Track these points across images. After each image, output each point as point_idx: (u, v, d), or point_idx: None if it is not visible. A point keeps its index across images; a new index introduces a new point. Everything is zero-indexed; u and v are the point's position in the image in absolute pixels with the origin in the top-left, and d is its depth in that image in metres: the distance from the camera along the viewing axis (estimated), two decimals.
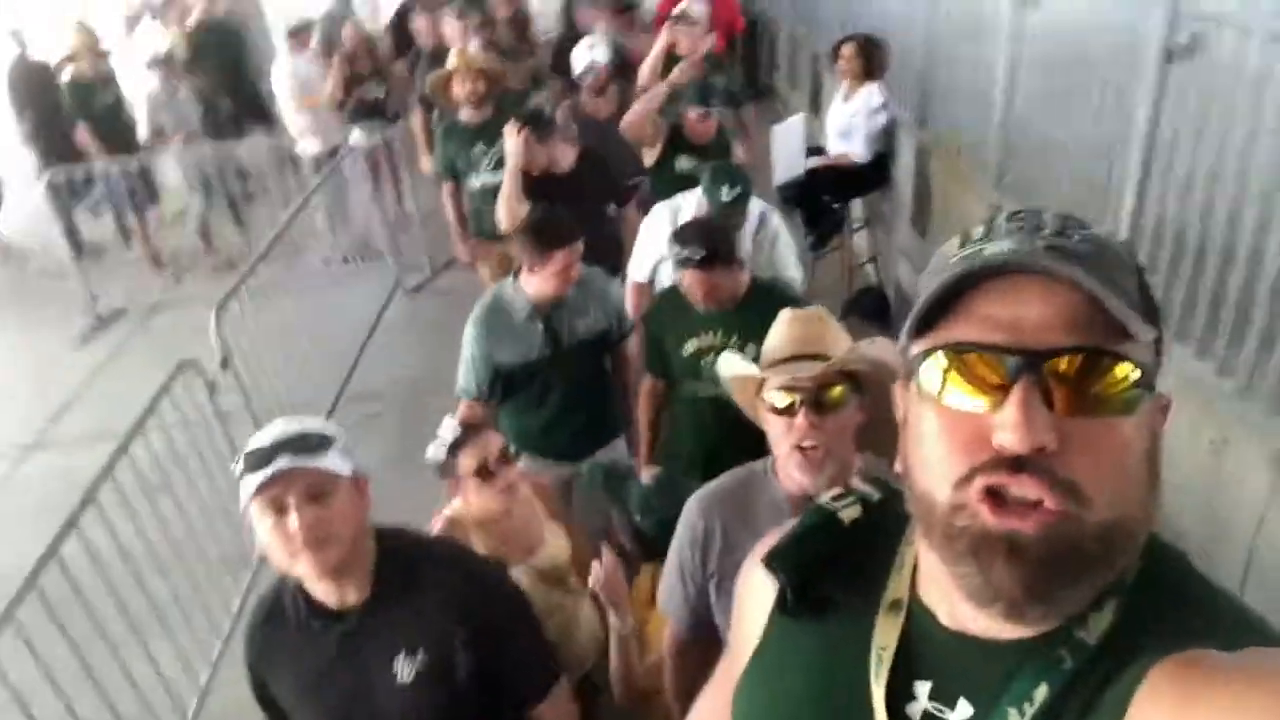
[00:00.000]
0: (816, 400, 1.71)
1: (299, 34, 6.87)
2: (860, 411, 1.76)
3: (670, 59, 4.67)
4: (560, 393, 3.01)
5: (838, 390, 1.73)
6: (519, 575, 2.29)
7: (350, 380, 5.21)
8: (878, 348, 1.80)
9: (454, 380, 3.03)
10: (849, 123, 4.91)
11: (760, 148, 4.98)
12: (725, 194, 3.22)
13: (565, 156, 3.86)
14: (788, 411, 1.73)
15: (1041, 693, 0.69)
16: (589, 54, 4.52)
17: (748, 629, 0.94)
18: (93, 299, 6.71)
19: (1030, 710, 0.69)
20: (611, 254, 3.82)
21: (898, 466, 0.78)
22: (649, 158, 4.13)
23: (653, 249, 3.49)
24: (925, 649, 0.78)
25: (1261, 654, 0.64)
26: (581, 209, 3.64)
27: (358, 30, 6.85)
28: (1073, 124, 3.11)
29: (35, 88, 7.41)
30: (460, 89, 4.39)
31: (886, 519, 0.87)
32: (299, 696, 1.73)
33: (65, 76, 7.12)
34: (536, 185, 3.75)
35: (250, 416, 3.97)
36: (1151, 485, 0.70)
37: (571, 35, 5.80)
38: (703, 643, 1.85)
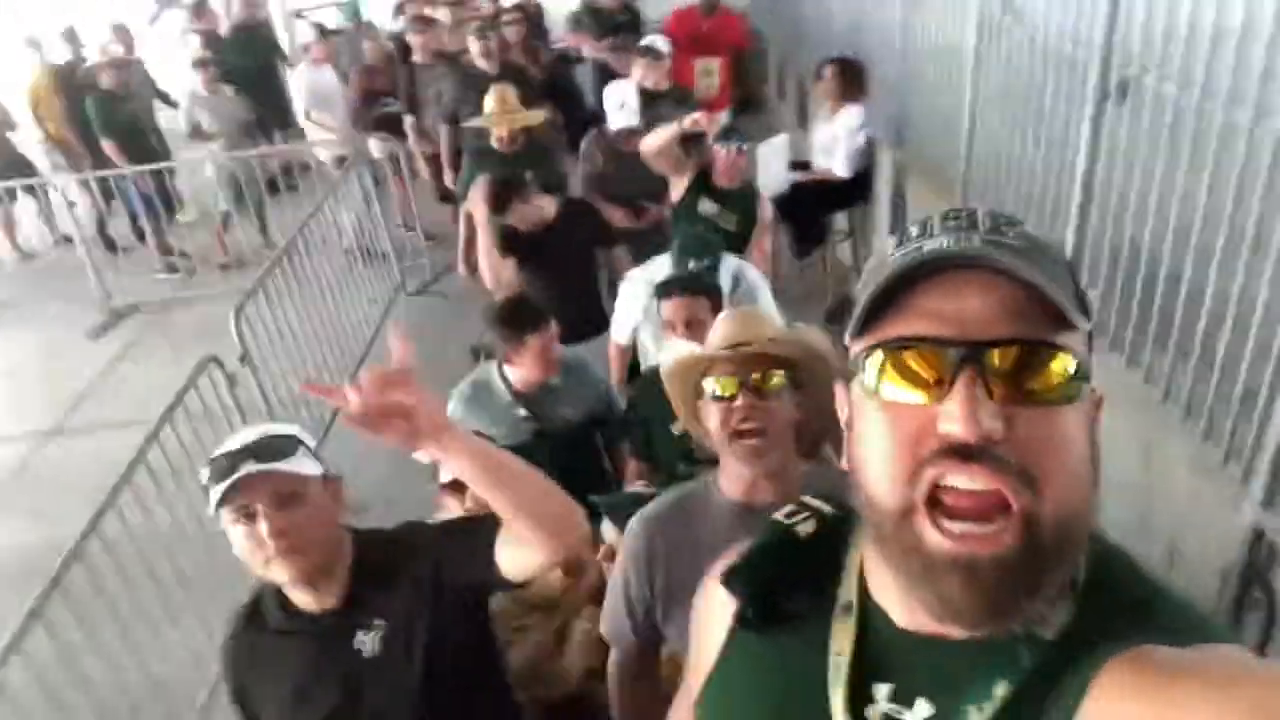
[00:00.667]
0: (756, 386, 1.77)
1: (317, 44, 7.08)
2: (798, 410, 1.81)
3: (645, 94, 4.75)
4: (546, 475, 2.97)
5: (775, 377, 1.78)
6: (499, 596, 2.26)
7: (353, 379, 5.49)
8: (810, 333, 1.93)
9: (452, 379, 3.15)
10: (831, 141, 5.21)
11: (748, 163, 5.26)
12: (691, 266, 3.20)
13: (547, 208, 3.89)
14: (727, 398, 1.77)
15: (1001, 690, 0.70)
16: (620, 114, 4.53)
17: (707, 648, 0.94)
18: (106, 295, 6.98)
19: (990, 708, 0.70)
20: (597, 308, 3.93)
21: (843, 465, 0.79)
22: (674, 190, 4.10)
23: (631, 312, 3.51)
24: (881, 651, 0.79)
25: (1208, 650, 0.66)
26: (567, 259, 3.83)
27: (378, 44, 7.11)
28: (1027, 149, 3.42)
29: (72, 94, 7.59)
30: (504, 128, 4.48)
31: (842, 532, 0.88)
32: (285, 703, 1.70)
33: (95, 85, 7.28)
34: (520, 239, 3.82)
35: (266, 409, 4.24)
36: (1093, 476, 0.71)
37: (565, 60, 6.11)
38: (649, 668, 1.91)
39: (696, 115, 3.89)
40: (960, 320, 0.67)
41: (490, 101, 4.53)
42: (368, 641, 1.65)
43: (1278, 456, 2.18)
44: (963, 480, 0.65)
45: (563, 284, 3.74)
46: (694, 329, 2.63)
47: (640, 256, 3.76)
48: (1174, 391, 2.62)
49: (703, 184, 4.00)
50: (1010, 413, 0.65)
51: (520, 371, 2.93)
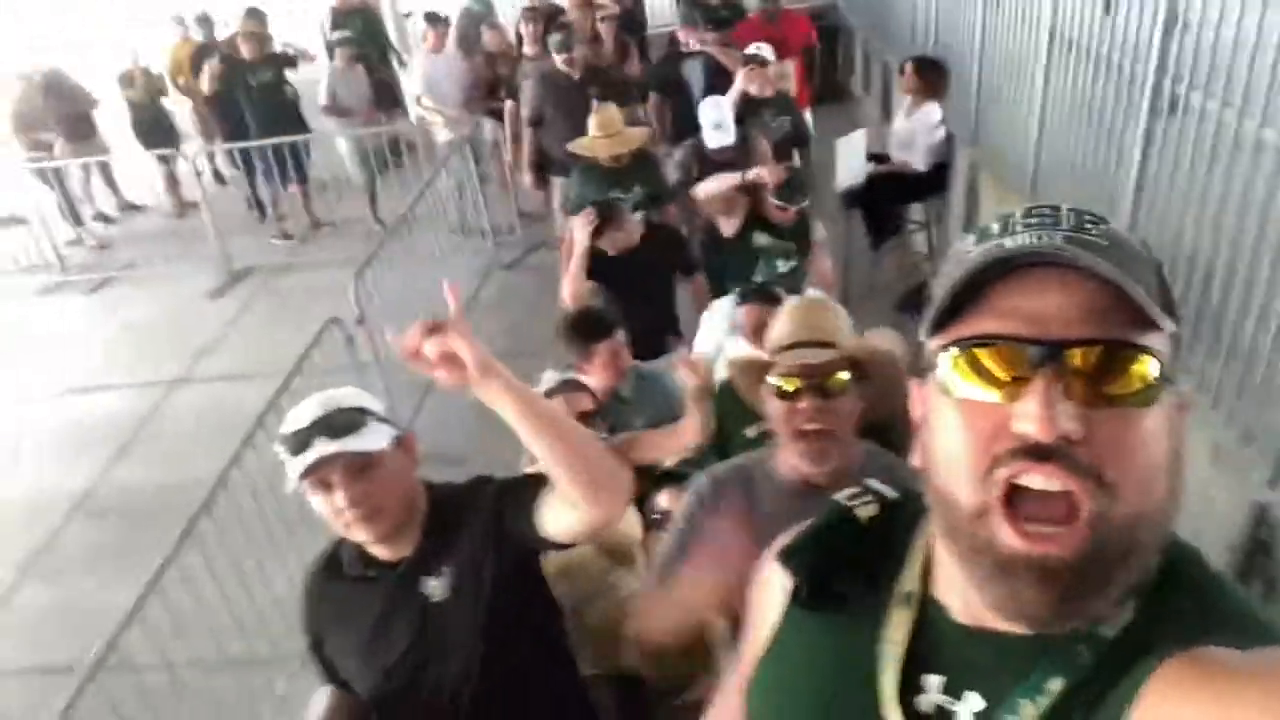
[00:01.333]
0: (820, 385, 1.75)
1: (434, 30, 7.39)
2: (861, 400, 1.79)
3: (749, 101, 4.94)
4: None
5: (840, 376, 1.76)
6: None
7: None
8: (883, 337, 2.00)
9: (540, 345, 3.35)
10: (910, 135, 5.44)
11: (826, 152, 5.52)
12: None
13: (635, 232, 3.94)
14: (791, 396, 1.75)
15: (1056, 685, 0.69)
16: (716, 134, 4.51)
17: (761, 627, 0.95)
18: (226, 258, 7.57)
19: (1044, 702, 0.69)
20: (671, 331, 4.05)
21: (915, 461, 0.78)
22: (726, 229, 4.12)
23: (713, 338, 3.54)
24: (937, 642, 0.78)
25: (1268, 653, 0.64)
26: (645, 281, 3.92)
27: (500, 35, 7.42)
28: (1088, 156, 3.64)
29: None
30: (606, 153, 4.48)
31: (904, 517, 0.87)
32: (361, 647, 1.79)
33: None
34: (603, 261, 3.90)
35: (379, 369, 4.70)
36: (1173, 480, 0.69)
37: (675, 54, 6.21)
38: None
39: (760, 170, 3.96)
40: (1040, 319, 0.66)
41: (592, 125, 4.56)
42: (437, 587, 1.73)
43: None
44: (1037, 480, 0.65)
45: (638, 305, 3.72)
46: (764, 335, 2.66)
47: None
48: (1204, 382, 2.86)
49: (755, 217, 4.07)
50: (1088, 414, 0.64)
51: (591, 380, 2.95)
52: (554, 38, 5.86)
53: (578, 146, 4.57)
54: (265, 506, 3.75)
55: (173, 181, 8.72)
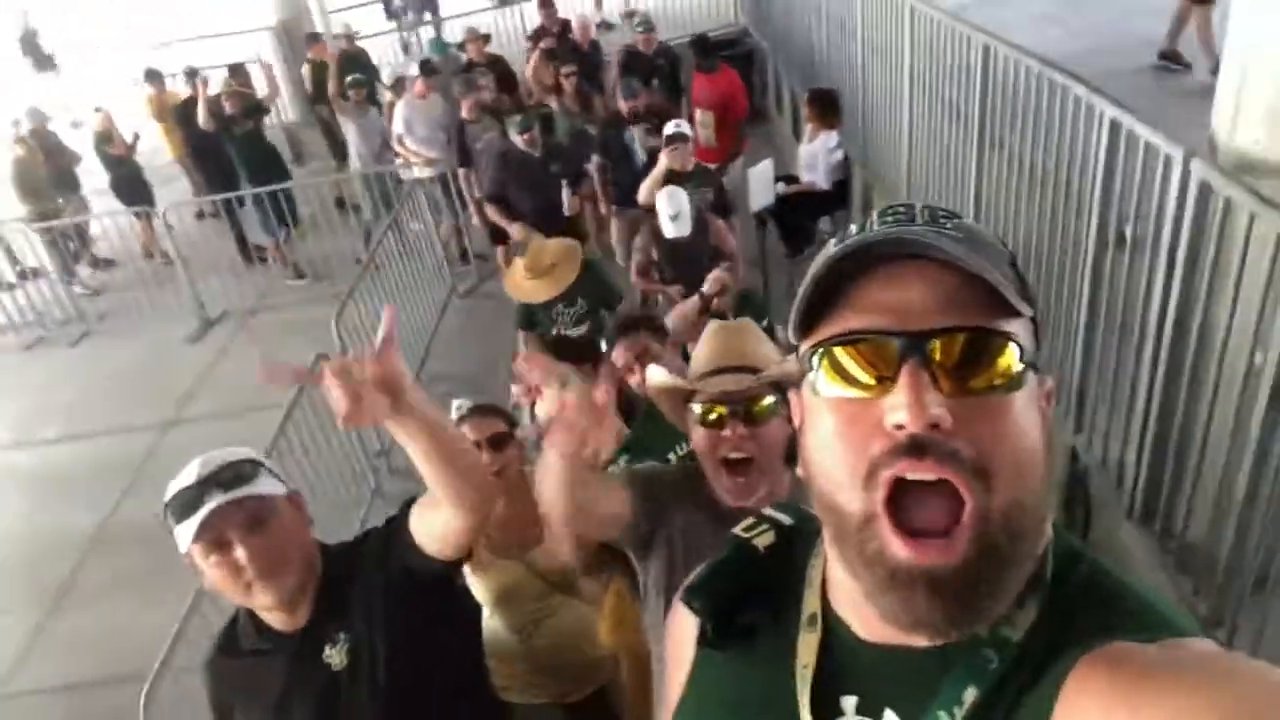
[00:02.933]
0: (745, 412, 1.71)
1: (425, 80, 7.84)
2: (788, 423, 1.64)
3: (672, 175, 5.11)
4: None
5: (765, 401, 1.72)
6: (513, 566, 2.41)
7: (424, 366, 6.60)
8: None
9: (495, 362, 3.75)
10: (813, 158, 6.23)
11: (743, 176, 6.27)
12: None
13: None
14: (715, 424, 1.72)
15: (970, 694, 0.69)
16: (674, 224, 4.65)
17: (679, 669, 0.93)
18: (199, 305, 8.12)
19: (960, 712, 0.69)
20: None
21: (799, 472, 0.77)
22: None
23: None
24: (847, 662, 0.77)
25: (1181, 645, 0.65)
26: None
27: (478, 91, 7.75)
28: (938, 176, 4.44)
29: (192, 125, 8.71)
30: (539, 297, 4.47)
31: (801, 541, 0.87)
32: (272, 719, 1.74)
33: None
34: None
35: None
36: (1045, 467, 0.70)
37: (618, 118, 6.64)
38: None
39: (718, 274, 3.97)
40: (902, 311, 0.67)
41: (521, 265, 4.56)
42: (335, 655, 1.68)
43: (1079, 394, 3.22)
44: (916, 474, 0.65)
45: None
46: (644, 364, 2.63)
47: None
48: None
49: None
50: (957, 403, 0.65)
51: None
52: (514, 119, 6.20)
53: (512, 286, 4.60)
54: None
55: (150, 234, 9.20)
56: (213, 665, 1.80)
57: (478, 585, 2.40)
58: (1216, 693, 0.58)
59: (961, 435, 0.65)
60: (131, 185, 9.17)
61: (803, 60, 7.74)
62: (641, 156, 6.11)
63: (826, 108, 6.08)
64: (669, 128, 5.32)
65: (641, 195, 5.32)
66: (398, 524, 1.72)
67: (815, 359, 0.71)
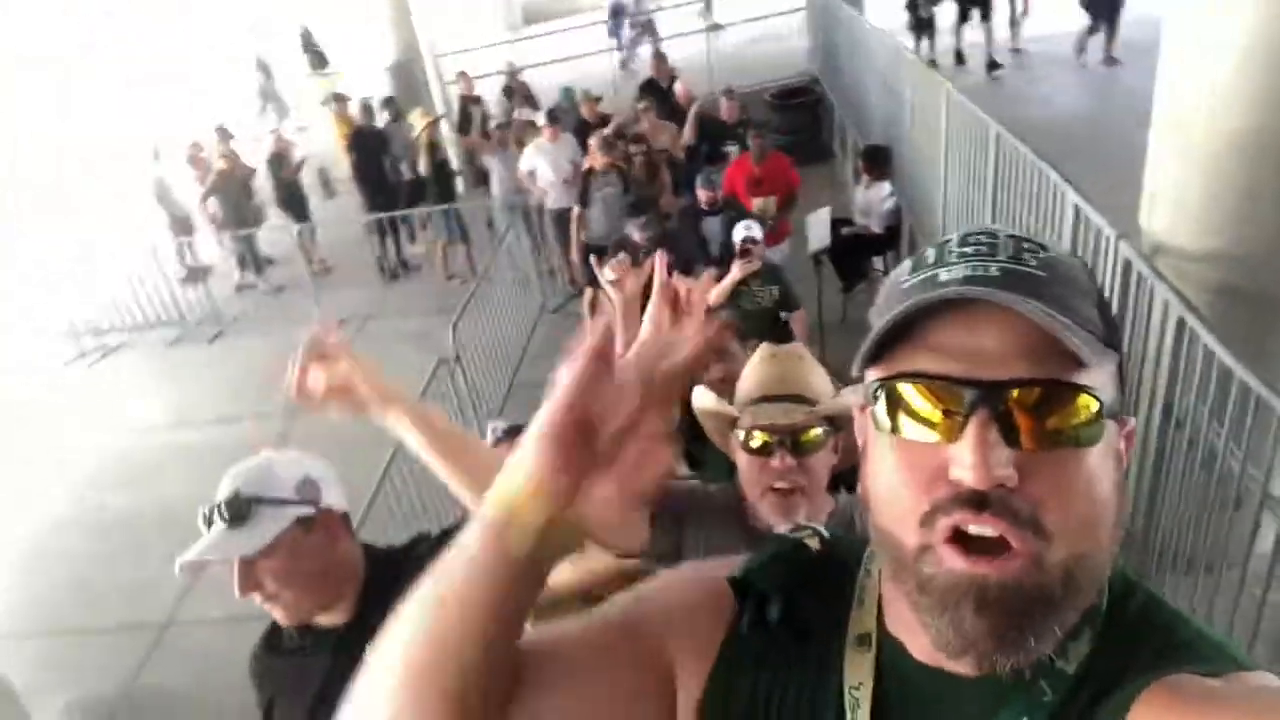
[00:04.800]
0: (793, 442, 1.67)
1: (551, 126, 8.71)
2: (834, 453, 1.73)
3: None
4: None
5: (815, 432, 1.69)
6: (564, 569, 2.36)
7: (517, 374, 7.59)
8: (854, 393, 1.76)
9: None
10: (867, 206, 7.09)
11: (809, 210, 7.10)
12: None
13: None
14: (763, 452, 1.69)
15: None
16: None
17: (693, 652, 0.84)
18: (319, 310, 9.26)
19: None
20: None
21: (858, 492, 0.76)
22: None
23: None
24: (899, 686, 0.76)
25: (1244, 679, 0.65)
26: None
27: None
28: (971, 219, 5.26)
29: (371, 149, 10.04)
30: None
31: (842, 553, 0.85)
32: (305, 717, 1.73)
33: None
34: None
35: (471, 400, 6.33)
36: (1115, 515, 0.68)
37: (694, 210, 6.95)
38: None
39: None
40: (975, 358, 0.65)
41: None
42: None
43: None
44: (975, 527, 0.64)
45: None
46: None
47: None
48: None
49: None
50: (1026, 457, 0.63)
51: None
52: (638, 218, 6.33)
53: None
54: (413, 510, 5.16)
55: (310, 245, 10.43)
56: (256, 662, 1.82)
57: None
58: None
59: (1026, 492, 0.63)
60: (291, 201, 10.53)
61: (861, 112, 8.59)
62: (715, 249, 6.36)
63: (879, 162, 6.93)
64: (739, 231, 5.42)
65: (712, 300, 5.18)
66: (453, 535, 2.02)
67: (882, 393, 0.69)
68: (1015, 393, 0.64)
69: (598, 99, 9.90)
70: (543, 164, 8.52)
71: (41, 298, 10.15)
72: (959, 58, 11.93)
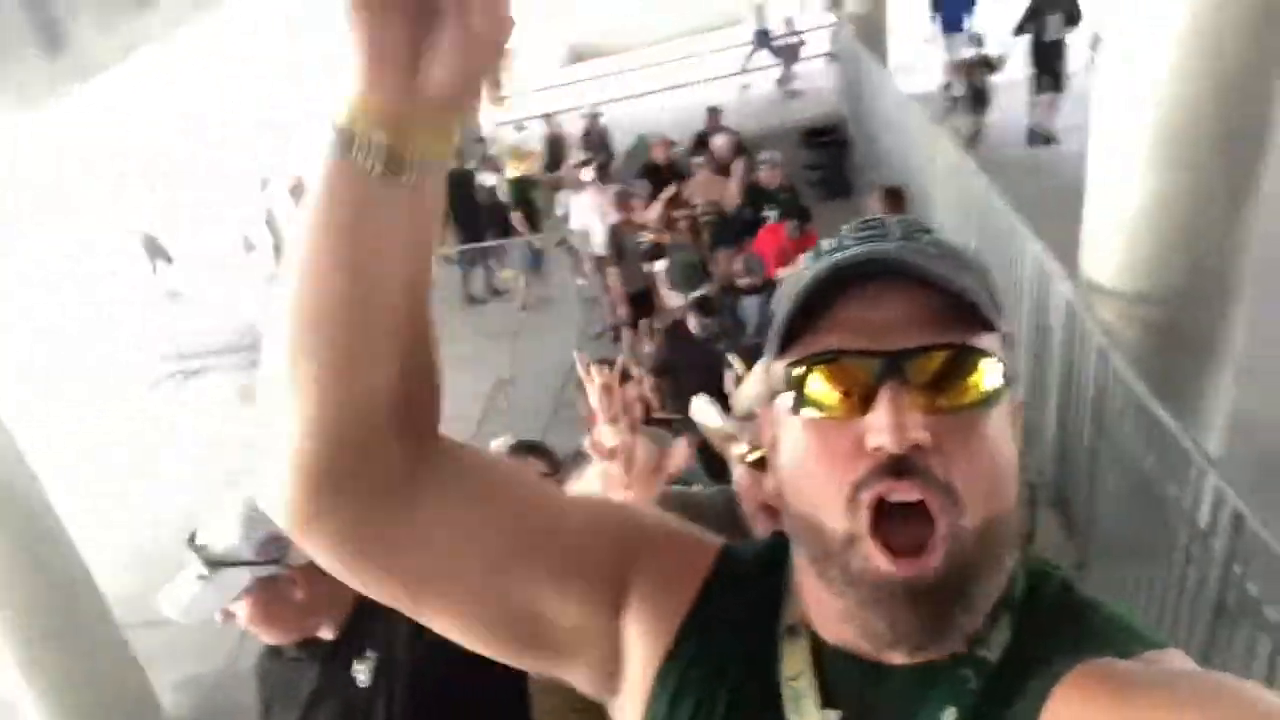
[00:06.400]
0: None
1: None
2: None
3: None
4: None
5: None
6: None
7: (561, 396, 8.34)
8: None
9: None
10: None
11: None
12: None
13: None
14: (758, 465, 1.69)
15: (950, 714, 0.70)
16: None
17: (676, 588, 0.84)
18: None
19: None
20: None
21: (768, 486, 0.79)
22: None
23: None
24: (828, 676, 0.76)
25: (1156, 659, 0.68)
26: None
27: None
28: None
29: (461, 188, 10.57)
30: None
31: (778, 549, 0.86)
32: None
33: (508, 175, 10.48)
34: None
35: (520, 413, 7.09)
36: (1015, 479, 0.71)
37: (732, 288, 6.97)
38: None
39: None
40: (881, 329, 0.67)
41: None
42: (362, 671, 1.67)
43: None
44: (896, 494, 0.66)
45: None
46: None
47: None
48: None
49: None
50: (936, 420, 0.66)
51: None
52: (693, 294, 5.74)
53: None
54: None
55: None
56: (260, 665, 1.87)
57: None
58: (1205, 705, 0.60)
59: (939, 454, 0.66)
60: None
61: (880, 153, 9.28)
62: (751, 329, 6.27)
63: (895, 201, 7.59)
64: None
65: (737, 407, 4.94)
66: None
67: (792, 378, 0.71)
68: (921, 359, 0.67)
69: (672, 143, 10.06)
70: (577, 209, 8.96)
71: (131, 319, 11.04)
72: (1038, 137, 10.17)
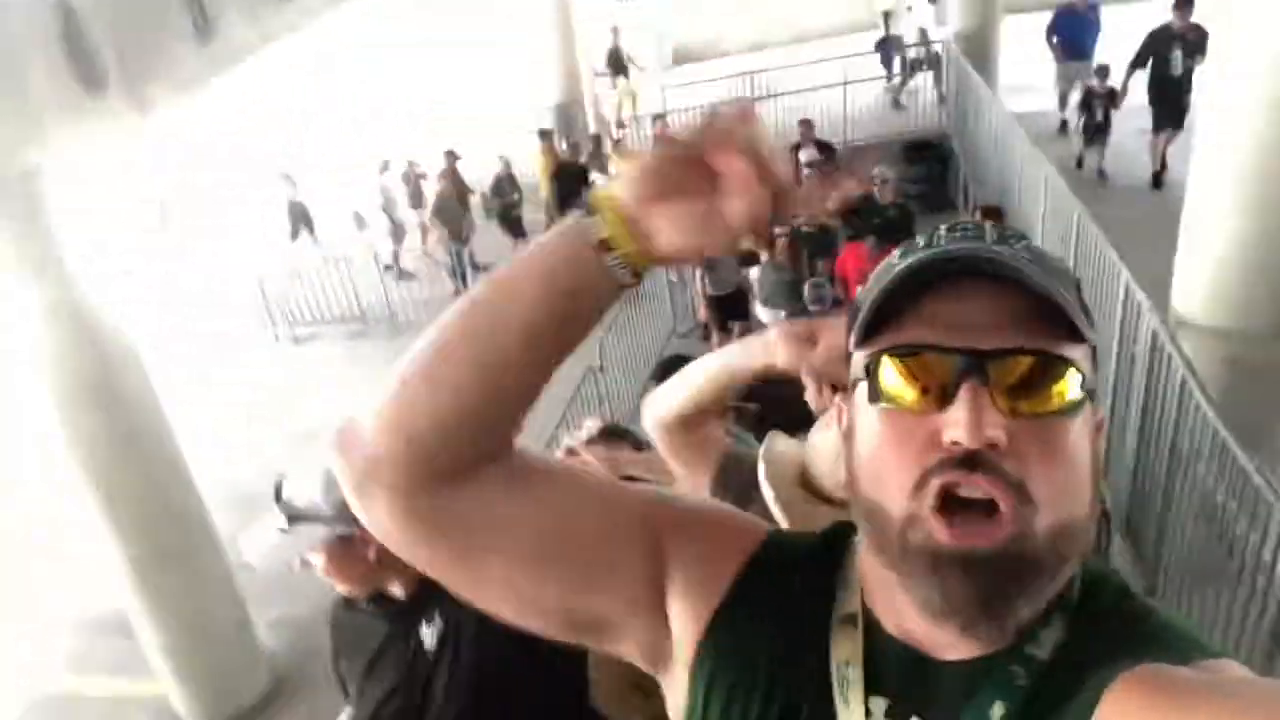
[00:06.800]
0: None
1: None
2: None
3: None
4: None
5: None
6: None
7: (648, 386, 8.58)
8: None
9: None
10: None
11: None
12: None
13: None
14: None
15: (998, 710, 0.70)
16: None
17: (719, 564, 0.86)
18: None
19: None
20: None
21: (840, 475, 0.79)
22: None
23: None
24: (880, 665, 0.77)
25: (1214, 667, 0.67)
26: None
27: None
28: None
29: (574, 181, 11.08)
30: None
31: (833, 541, 0.87)
32: (363, 675, 1.82)
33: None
34: None
35: (608, 401, 7.38)
36: (1092, 490, 0.71)
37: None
38: None
39: None
40: (967, 327, 0.68)
41: None
42: (428, 635, 1.72)
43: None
44: (964, 488, 0.66)
45: None
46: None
47: None
48: None
49: None
50: (1013, 424, 0.66)
51: None
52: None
53: None
54: None
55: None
56: (333, 613, 1.91)
57: None
58: (1268, 712, 0.58)
59: (1014, 457, 0.66)
60: (509, 220, 11.82)
61: (982, 170, 9.30)
62: None
63: (994, 219, 7.64)
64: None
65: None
66: None
67: (874, 367, 0.72)
68: (1004, 361, 0.66)
69: None
70: None
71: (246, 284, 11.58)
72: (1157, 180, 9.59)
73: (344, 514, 1.58)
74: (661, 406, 1.57)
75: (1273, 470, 3.28)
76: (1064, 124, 11.16)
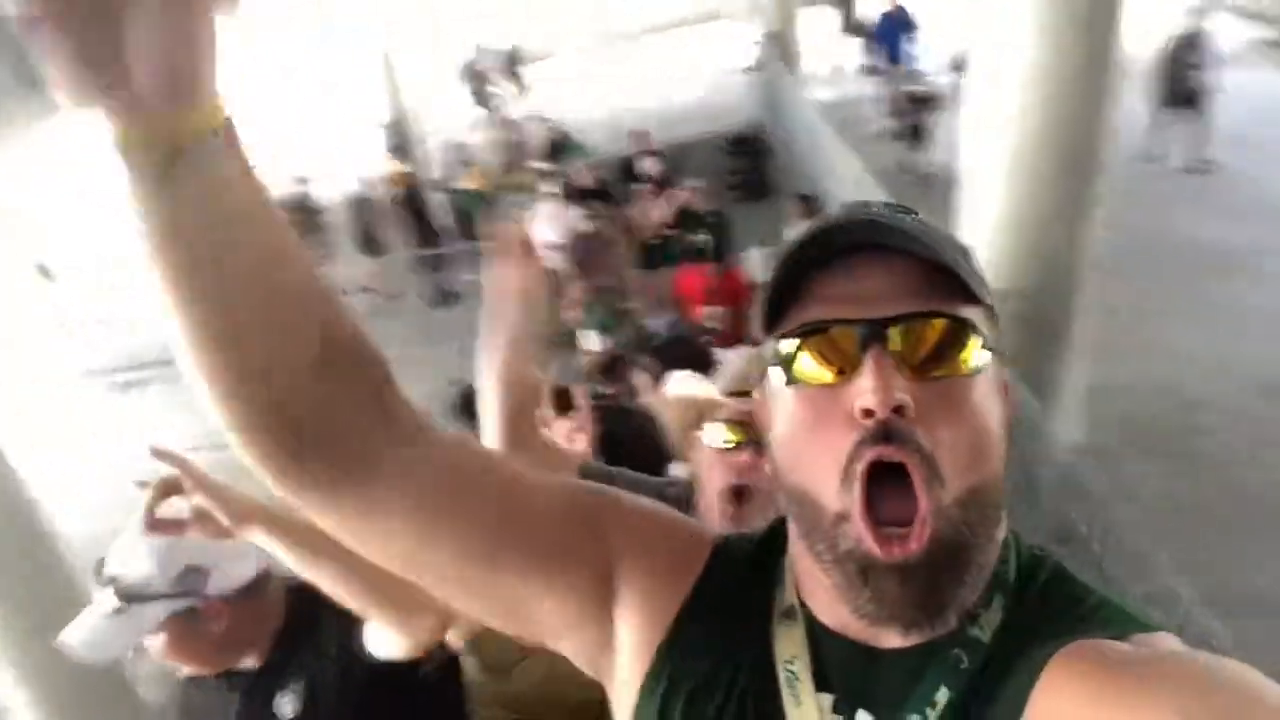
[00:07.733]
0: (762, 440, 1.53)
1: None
2: None
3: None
4: None
5: None
6: None
7: None
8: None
9: None
10: None
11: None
12: None
13: None
14: (729, 449, 1.61)
15: (943, 695, 0.71)
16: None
17: (671, 579, 0.86)
18: None
19: (933, 714, 0.70)
20: None
21: (767, 469, 0.79)
22: None
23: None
24: (822, 660, 0.77)
25: (1149, 640, 0.68)
26: None
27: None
28: None
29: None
30: None
31: (775, 535, 0.87)
32: None
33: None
34: None
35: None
36: (1001, 451, 0.72)
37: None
38: None
39: None
40: (864, 299, 0.70)
41: None
42: (286, 703, 1.60)
43: None
44: (886, 456, 0.67)
45: None
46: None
47: None
48: None
49: None
50: (919, 388, 0.68)
51: None
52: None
53: None
54: None
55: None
56: (180, 696, 1.80)
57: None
58: (1201, 687, 0.60)
59: (922, 422, 0.67)
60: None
61: (796, 162, 9.93)
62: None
63: (808, 207, 8.23)
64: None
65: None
66: None
67: (782, 352, 0.73)
68: (903, 326, 0.69)
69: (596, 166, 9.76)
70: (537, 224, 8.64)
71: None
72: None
73: (185, 586, 1.51)
74: (493, 437, 1.54)
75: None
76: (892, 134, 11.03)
